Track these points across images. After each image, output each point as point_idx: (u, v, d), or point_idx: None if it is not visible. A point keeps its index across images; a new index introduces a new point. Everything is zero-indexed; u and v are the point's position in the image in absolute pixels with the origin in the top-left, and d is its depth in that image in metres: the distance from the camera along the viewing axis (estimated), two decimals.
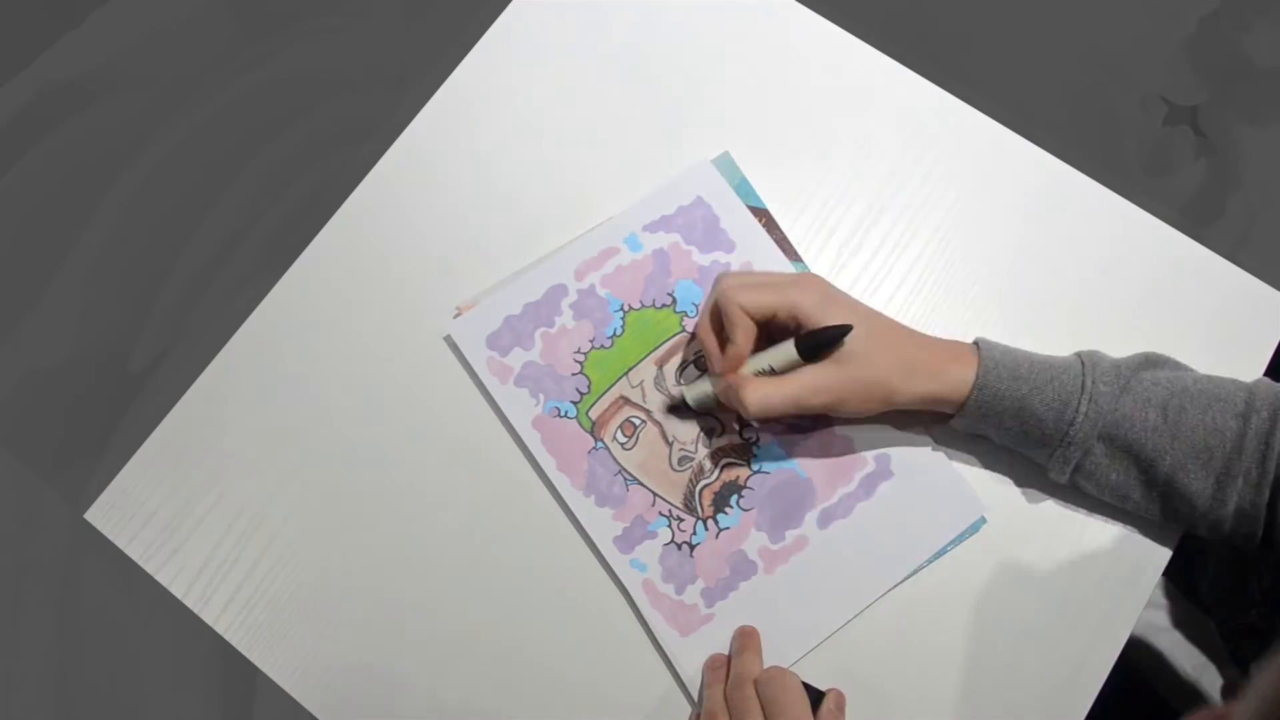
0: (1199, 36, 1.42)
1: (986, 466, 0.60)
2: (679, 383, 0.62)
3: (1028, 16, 1.44)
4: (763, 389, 0.55)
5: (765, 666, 0.55)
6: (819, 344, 0.55)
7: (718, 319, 0.57)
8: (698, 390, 0.60)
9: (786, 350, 0.55)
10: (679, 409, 0.61)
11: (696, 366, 0.62)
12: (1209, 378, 0.56)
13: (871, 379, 0.55)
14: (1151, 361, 0.56)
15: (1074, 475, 0.56)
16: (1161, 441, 0.54)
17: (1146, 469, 0.55)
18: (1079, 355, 0.56)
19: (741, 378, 0.56)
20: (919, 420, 0.60)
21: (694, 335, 0.62)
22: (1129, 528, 0.59)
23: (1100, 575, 0.59)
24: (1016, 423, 0.55)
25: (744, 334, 0.56)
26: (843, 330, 0.54)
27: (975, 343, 0.57)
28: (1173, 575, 0.78)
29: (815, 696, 0.54)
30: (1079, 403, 0.54)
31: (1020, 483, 0.60)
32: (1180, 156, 1.37)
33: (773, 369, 0.56)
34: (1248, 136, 1.38)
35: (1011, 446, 0.58)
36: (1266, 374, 0.62)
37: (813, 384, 0.55)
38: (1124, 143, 1.38)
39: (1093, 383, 0.54)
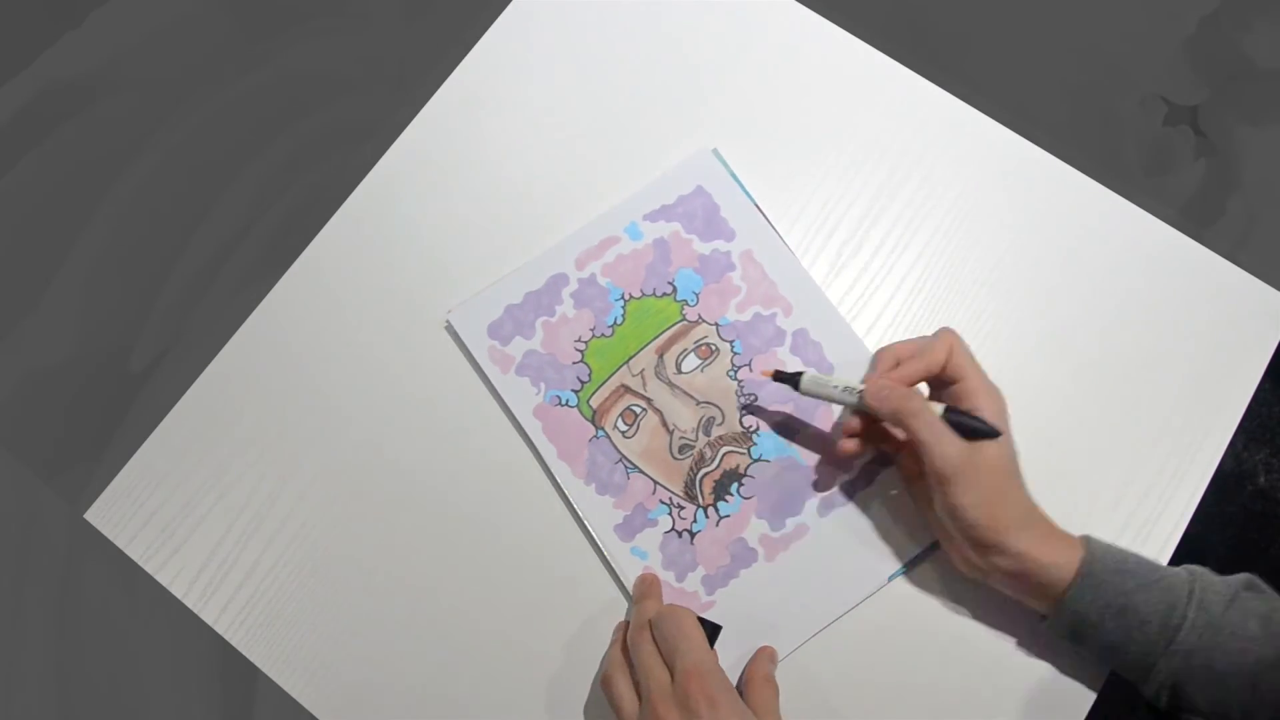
0: (1199, 36, 1.42)
1: None
2: (679, 371, 0.62)
3: (1028, 16, 1.44)
4: (930, 411, 0.53)
5: (664, 606, 0.55)
6: (967, 426, 0.53)
7: (911, 350, 0.57)
8: (829, 387, 0.58)
9: (973, 419, 0.54)
10: (684, 395, 0.61)
11: (697, 355, 0.62)
12: None
13: (1003, 496, 0.53)
14: (1251, 584, 0.53)
15: (1169, 693, 0.51)
16: (1266, 655, 0.49)
17: (1250, 687, 0.50)
18: (1186, 567, 0.53)
19: (907, 390, 0.55)
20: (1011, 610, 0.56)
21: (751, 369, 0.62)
22: (1131, 517, 0.59)
23: None
24: (1117, 623, 0.51)
25: (927, 365, 0.55)
26: (994, 433, 0.52)
27: (1082, 537, 0.54)
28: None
29: (712, 631, 0.54)
30: (1186, 606, 0.50)
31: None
32: (1180, 156, 1.37)
33: (946, 414, 0.54)
34: (1248, 136, 1.38)
35: (1104, 656, 0.53)
36: (1267, 375, 0.62)
37: (967, 450, 0.52)
38: (1124, 143, 1.38)
39: (1201, 590, 0.51)
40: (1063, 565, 0.52)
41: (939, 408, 0.54)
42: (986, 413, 0.54)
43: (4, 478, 1.30)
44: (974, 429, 0.53)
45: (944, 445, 0.52)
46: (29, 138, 1.44)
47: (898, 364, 0.57)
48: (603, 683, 0.54)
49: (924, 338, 0.58)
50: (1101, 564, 0.52)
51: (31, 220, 1.41)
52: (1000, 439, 0.53)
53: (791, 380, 0.58)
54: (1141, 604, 0.51)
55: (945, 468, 0.52)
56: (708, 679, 0.49)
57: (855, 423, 0.57)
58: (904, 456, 0.59)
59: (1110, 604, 0.51)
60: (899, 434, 0.57)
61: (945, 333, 0.57)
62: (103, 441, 1.29)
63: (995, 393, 0.55)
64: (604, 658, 0.56)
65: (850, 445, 0.57)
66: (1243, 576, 0.53)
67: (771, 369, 0.59)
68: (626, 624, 0.57)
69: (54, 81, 1.47)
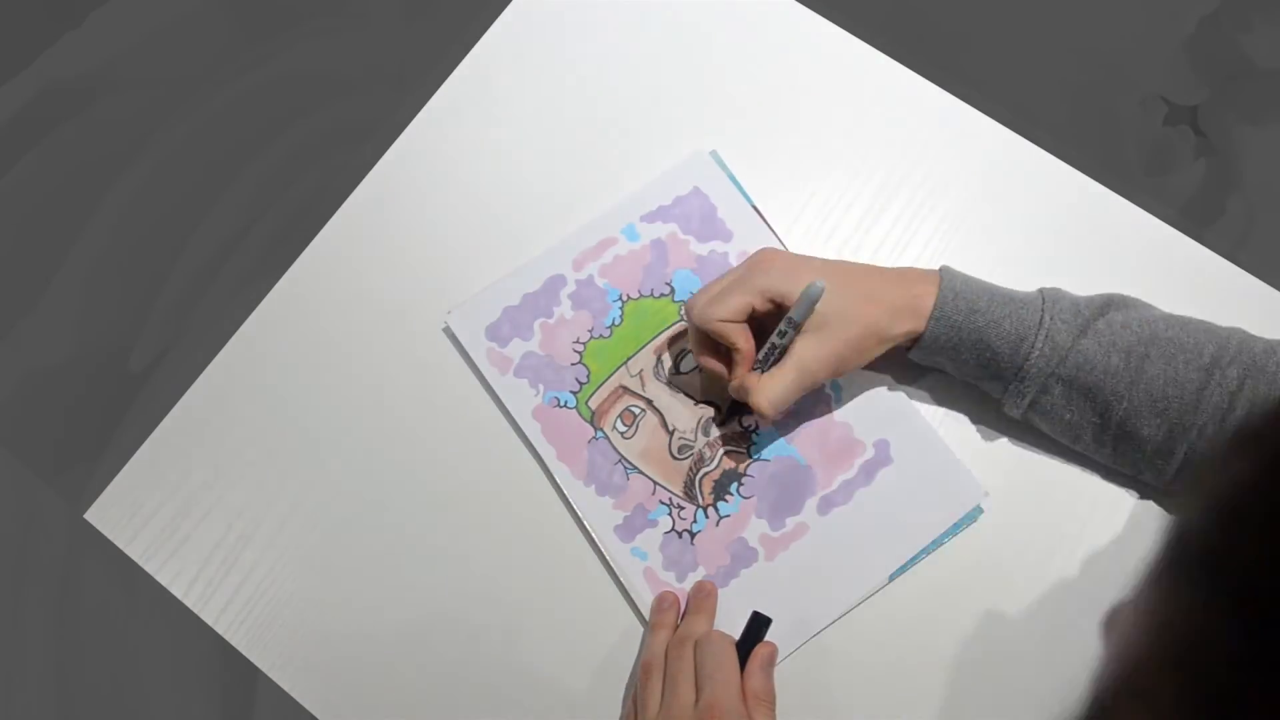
0: (1199, 36, 1.42)
1: (986, 456, 0.60)
2: (677, 371, 0.62)
3: (1028, 16, 1.44)
4: (769, 387, 0.55)
5: (712, 630, 0.56)
6: (807, 312, 0.54)
7: (710, 343, 0.57)
8: (732, 406, 0.60)
9: (783, 339, 0.55)
10: (683, 395, 0.62)
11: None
12: (1180, 323, 0.55)
13: (861, 333, 0.55)
14: (1116, 302, 0.56)
15: (1028, 412, 0.56)
16: (1119, 386, 0.53)
17: (1102, 412, 0.54)
18: (1041, 291, 0.56)
19: (749, 380, 0.56)
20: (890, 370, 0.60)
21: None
22: (1132, 519, 0.59)
23: (1104, 569, 0.59)
24: (973, 355, 0.55)
25: (742, 339, 0.56)
26: (817, 291, 0.53)
27: (940, 270, 0.57)
28: None
29: (764, 623, 0.55)
30: (1035, 339, 0.54)
31: (1021, 472, 0.60)
32: (1180, 156, 1.37)
33: (774, 355, 0.56)
34: (1248, 136, 1.38)
35: (968, 380, 0.58)
36: None
37: (810, 360, 0.55)
38: (1124, 143, 1.38)
39: (1050, 319, 0.54)
40: (920, 317, 0.55)
41: (775, 344, 0.55)
42: (785, 295, 0.54)
43: (4, 478, 1.30)
44: (806, 317, 0.54)
45: (815, 364, 0.55)
46: (29, 138, 1.44)
47: (717, 357, 0.58)
48: (641, 672, 0.55)
49: (691, 331, 0.58)
50: (953, 306, 0.54)
51: (31, 220, 1.41)
52: (819, 287, 0.53)
53: None
54: (993, 337, 0.54)
55: (833, 366, 0.55)
56: (727, 717, 0.50)
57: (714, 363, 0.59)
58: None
59: (963, 341, 0.55)
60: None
61: (694, 320, 0.56)
62: (103, 441, 1.29)
63: (763, 270, 0.55)
64: (646, 643, 0.57)
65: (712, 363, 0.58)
66: (1100, 298, 0.56)
67: None
68: (665, 608, 0.57)
69: (54, 81, 1.47)
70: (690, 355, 0.62)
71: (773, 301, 0.55)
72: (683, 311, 0.59)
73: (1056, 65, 1.42)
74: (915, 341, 0.56)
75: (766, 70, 0.69)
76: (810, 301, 0.53)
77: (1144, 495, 0.60)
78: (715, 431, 0.61)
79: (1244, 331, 0.55)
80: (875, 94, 0.68)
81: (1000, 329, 0.54)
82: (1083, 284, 0.64)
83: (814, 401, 0.61)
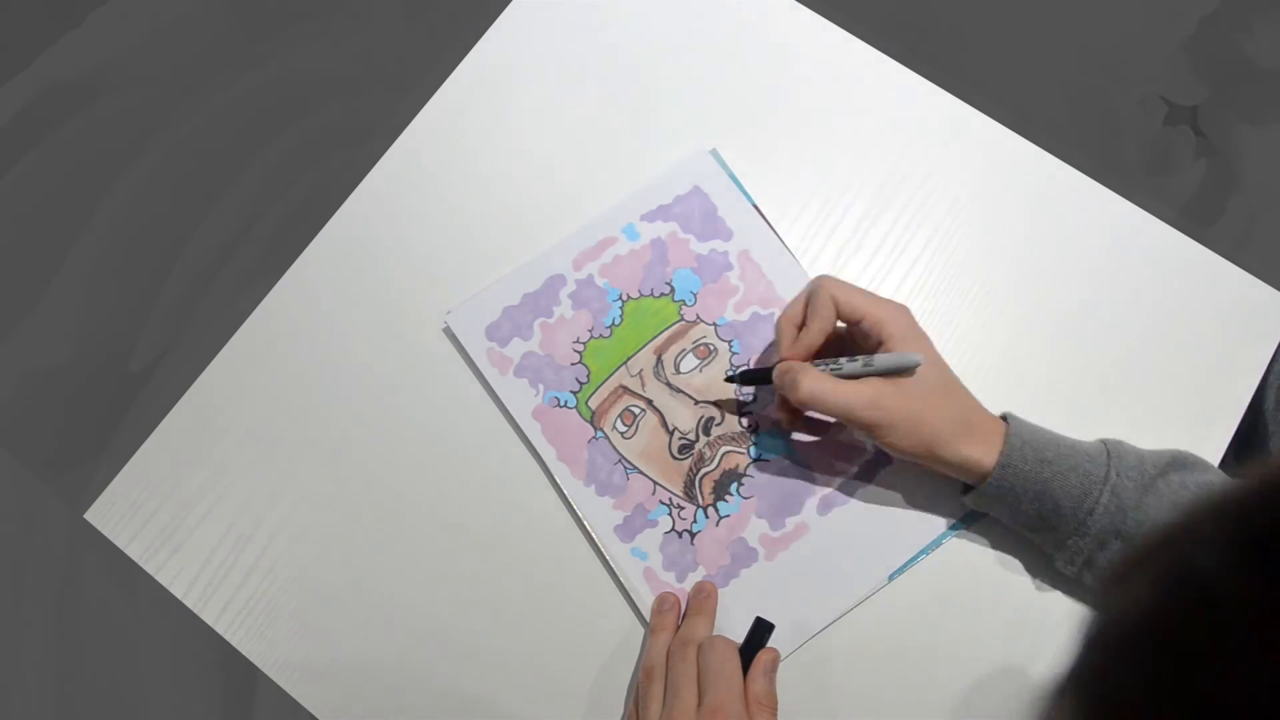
0: (1199, 36, 1.42)
1: None
2: (677, 371, 0.62)
3: (1028, 16, 1.44)
4: (821, 381, 0.54)
5: (714, 635, 0.56)
6: (894, 366, 0.54)
7: (801, 311, 0.57)
8: (750, 374, 0.60)
9: (856, 363, 0.55)
10: (683, 395, 0.61)
11: (695, 355, 0.62)
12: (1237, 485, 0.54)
13: (926, 418, 0.54)
14: (1180, 462, 0.54)
15: (1084, 568, 0.55)
16: None
17: None
18: (1104, 443, 0.55)
19: (804, 364, 0.56)
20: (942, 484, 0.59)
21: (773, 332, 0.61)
22: None
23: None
24: (1034, 506, 0.54)
25: (821, 325, 0.55)
26: (916, 361, 0.53)
27: (1004, 417, 0.56)
28: None
29: (766, 629, 0.55)
30: (1100, 493, 0.52)
31: None
32: (1180, 156, 1.37)
33: (855, 370, 0.55)
34: (1248, 136, 1.38)
35: (1023, 532, 0.56)
36: (1265, 374, 0.62)
37: (871, 398, 0.53)
38: (1124, 143, 1.38)
39: (1116, 475, 0.53)
40: (986, 456, 0.54)
41: (844, 362, 0.55)
42: (893, 340, 0.54)
43: (4, 478, 1.30)
44: (902, 364, 0.54)
45: (852, 409, 0.54)
46: (29, 138, 1.44)
47: (799, 330, 0.57)
48: (642, 675, 0.55)
49: (806, 290, 0.58)
50: (1020, 454, 0.53)
51: (31, 220, 1.41)
52: (923, 362, 0.54)
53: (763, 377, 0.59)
54: (1058, 489, 0.53)
55: (863, 421, 0.54)
56: None
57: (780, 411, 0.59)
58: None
59: (1027, 489, 0.53)
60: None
61: (821, 285, 0.56)
62: (103, 441, 1.29)
63: (897, 314, 0.55)
64: (648, 647, 0.56)
65: (784, 416, 0.59)
66: (1165, 457, 0.54)
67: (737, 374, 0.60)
68: (665, 609, 0.57)
69: (54, 81, 1.47)
70: (690, 355, 0.62)
71: (877, 335, 0.55)
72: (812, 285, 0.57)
73: (1056, 65, 1.42)
74: (980, 482, 0.55)
75: (766, 70, 0.69)
76: (905, 363, 0.54)
77: None
78: (715, 431, 0.61)
79: None
80: (875, 94, 0.68)
81: (1066, 481, 0.53)
82: (1083, 283, 0.64)
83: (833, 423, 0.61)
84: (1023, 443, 0.54)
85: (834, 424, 0.61)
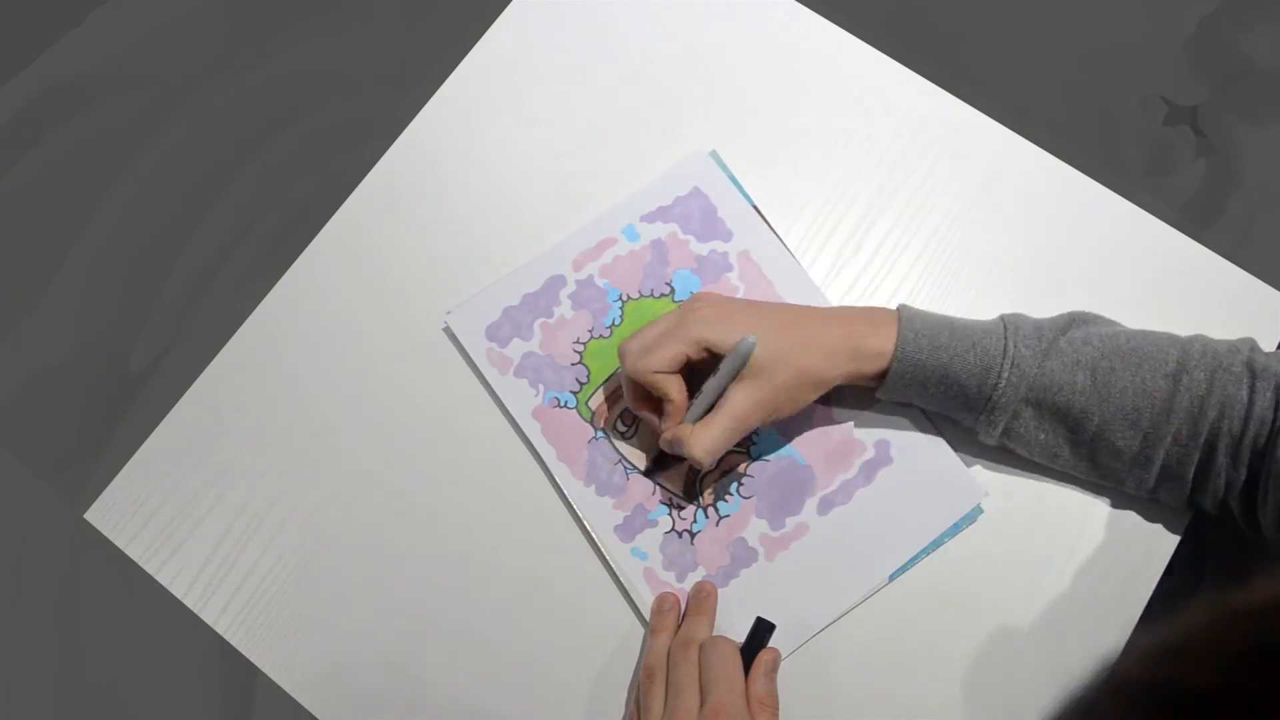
0: (1199, 36, 1.42)
1: (986, 456, 0.60)
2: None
3: (1028, 16, 1.44)
4: (703, 436, 0.54)
5: (716, 635, 0.56)
6: (735, 368, 0.54)
7: (645, 392, 0.57)
8: (657, 461, 0.61)
9: (709, 394, 0.55)
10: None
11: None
12: (1142, 334, 0.55)
13: (793, 379, 0.54)
14: (1078, 320, 0.56)
15: (1002, 438, 0.57)
16: (1090, 403, 0.54)
17: (1074, 429, 0.55)
18: (1001, 318, 0.56)
19: (682, 431, 0.55)
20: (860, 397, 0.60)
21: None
22: (1132, 519, 0.59)
23: (1104, 568, 0.59)
24: (940, 390, 0.55)
25: (675, 390, 0.55)
26: (746, 348, 0.53)
27: (898, 309, 0.57)
28: (1178, 568, 0.78)
29: (767, 629, 0.55)
30: (1001, 368, 0.54)
31: (1021, 472, 0.60)
32: (1180, 156, 1.37)
33: (707, 407, 0.55)
34: (1248, 136, 1.38)
35: (939, 411, 0.58)
36: None
37: (743, 408, 0.54)
38: (1124, 143, 1.38)
39: (1014, 346, 0.54)
40: (877, 358, 0.55)
41: (703, 398, 0.55)
42: (719, 346, 0.54)
43: (4, 478, 1.30)
44: (733, 374, 0.54)
45: (748, 412, 0.54)
46: (29, 138, 1.44)
47: (651, 407, 0.57)
48: (645, 674, 0.55)
49: (619, 375, 0.58)
50: (914, 345, 0.54)
51: (31, 220, 1.41)
52: (741, 342, 0.53)
53: None
54: (958, 371, 0.54)
55: (766, 413, 0.55)
56: None
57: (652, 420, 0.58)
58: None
59: (929, 378, 0.55)
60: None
61: (628, 373, 0.56)
62: (103, 441, 1.29)
63: (692, 321, 0.55)
64: (648, 647, 0.56)
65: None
66: (1062, 318, 0.56)
67: None
68: (665, 609, 0.57)
69: (54, 81, 1.47)
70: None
71: (707, 350, 0.55)
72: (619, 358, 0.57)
73: (1056, 65, 1.42)
74: (880, 380, 0.56)
75: (766, 70, 0.69)
76: (742, 357, 0.53)
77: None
78: None
79: (1205, 336, 0.56)
80: (875, 94, 0.68)
81: (965, 361, 0.54)
82: (1083, 284, 0.64)
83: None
84: (915, 333, 0.55)
85: (829, 414, 0.61)
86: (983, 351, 0.54)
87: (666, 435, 0.56)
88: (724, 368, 0.54)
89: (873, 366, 0.55)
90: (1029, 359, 0.54)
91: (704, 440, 0.54)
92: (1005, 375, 0.54)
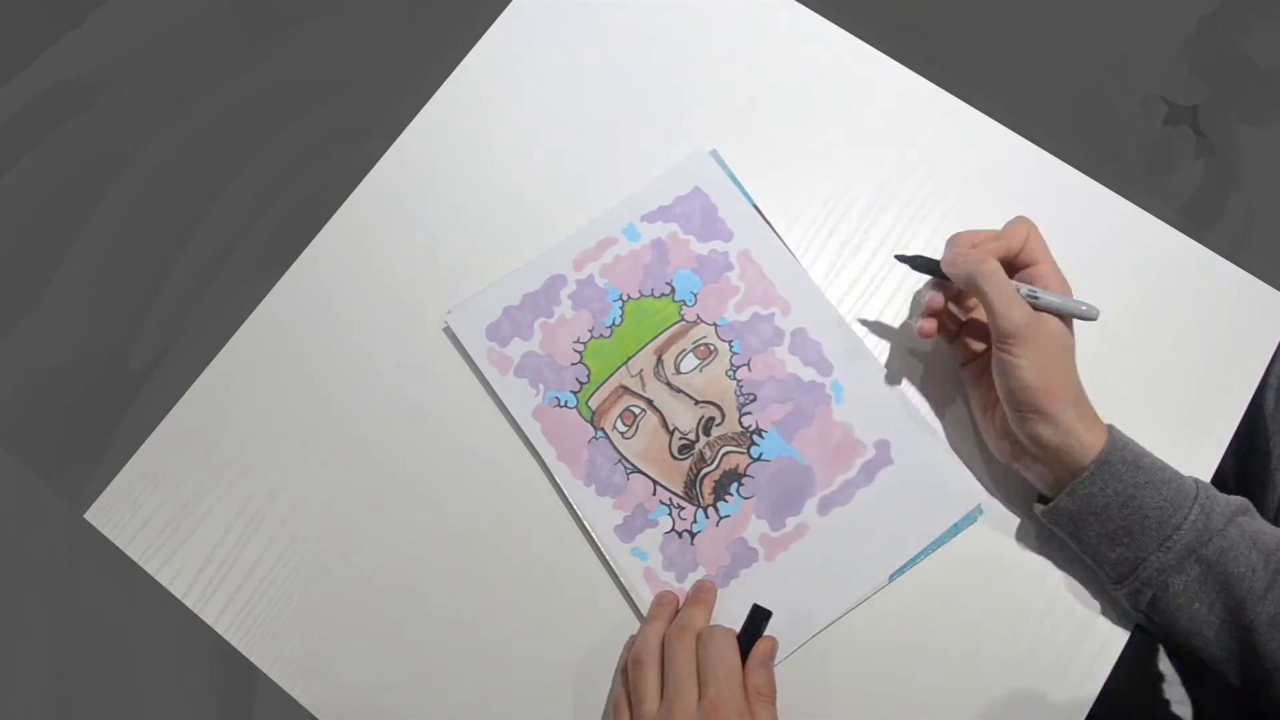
0: (1199, 36, 1.42)
1: (986, 456, 0.60)
2: (678, 371, 0.62)
3: (1028, 16, 1.44)
4: (1001, 274, 0.54)
5: (713, 624, 0.55)
6: (1064, 308, 0.55)
7: (985, 237, 0.57)
8: (923, 260, 0.59)
9: (1061, 302, 0.55)
10: (683, 395, 0.61)
11: (695, 355, 0.62)
12: None
13: (1063, 368, 0.54)
14: (1251, 509, 0.54)
15: (1155, 596, 0.53)
16: (1257, 586, 0.51)
17: (1234, 609, 0.52)
18: (1195, 477, 0.55)
19: (991, 259, 0.55)
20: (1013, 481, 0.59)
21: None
22: None
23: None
24: (1121, 515, 0.53)
25: (1005, 243, 0.56)
26: (1090, 312, 0.55)
27: (1109, 426, 0.55)
28: None
29: (764, 617, 0.55)
30: (1190, 508, 0.52)
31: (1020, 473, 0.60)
32: (1180, 156, 1.37)
33: (1033, 297, 0.55)
34: (1248, 136, 1.38)
35: (1096, 550, 0.55)
36: (1266, 374, 0.62)
37: (1032, 316, 0.53)
38: (1124, 143, 1.38)
39: (1206, 497, 0.52)
40: (1089, 446, 0.53)
41: (1043, 293, 0.55)
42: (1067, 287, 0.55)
43: (4, 478, 1.30)
44: (1067, 308, 0.55)
45: (1012, 309, 0.53)
46: (29, 138, 1.44)
47: (974, 246, 0.57)
48: (632, 662, 0.54)
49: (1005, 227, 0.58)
50: (1120, 454, 0.53)
51: (31, 220, 1.41)
52: (1097, 317, 0.55)
53: (925, 264, 0.59)
54: (1148, 498, 0.52)
55: (1010, 328, 0.53)
56: (731, 716, 0.50)
57: (938, 298, 0.58)
58: (963, 338, 0.60)
59: (1119, 493, 0.53)
60: (967, 310, 0.60)
61: (1021, 219, 0.57)
62: (103, 441, 1.29)
63: (1064, 280, 0.56)
64: (641, 633, 0.55)
65: (928, 325, 0.58)
66: (1240, 500, 0.54)
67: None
68: (664, 603, 0.57)
69: (54, 81, 1.47)
70: (690, 355, 0.62)
71: (1016, 266, 0.56)
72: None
73: (1056, 65, 1.42)
74: (1076, 475, 0.54)
75: (766, 70, 0.69)
76: (1075, 309, 0.55)
77: None
78: (715, 431, 0.61)
79: None
80: (876, 94, 0.68)
81: (1157, 492, 0.52)
82: (1082, 284, 0.64)
83: (814, 401, 0.61)
84: (1123, 445, 0.53)
85: (829, 414, 0.61)
86: (1175, 488, 0.53)
87: (976, 252, 0.55)
88: (1055, 297, 0.55)
89: (1078, 453, 0.53)
90: (1217, 515, 0.52)
91: (999, 276, 0.54)
92: (1191, 518, 0.52)
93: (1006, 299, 0.54)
